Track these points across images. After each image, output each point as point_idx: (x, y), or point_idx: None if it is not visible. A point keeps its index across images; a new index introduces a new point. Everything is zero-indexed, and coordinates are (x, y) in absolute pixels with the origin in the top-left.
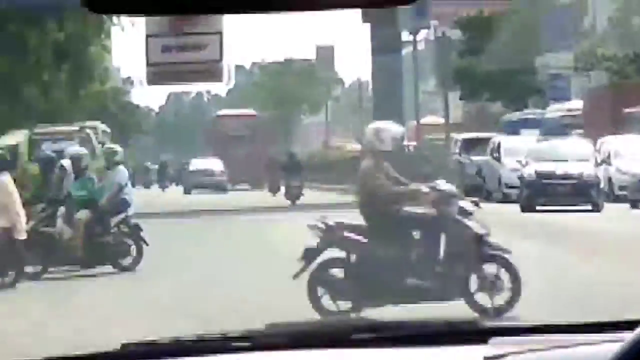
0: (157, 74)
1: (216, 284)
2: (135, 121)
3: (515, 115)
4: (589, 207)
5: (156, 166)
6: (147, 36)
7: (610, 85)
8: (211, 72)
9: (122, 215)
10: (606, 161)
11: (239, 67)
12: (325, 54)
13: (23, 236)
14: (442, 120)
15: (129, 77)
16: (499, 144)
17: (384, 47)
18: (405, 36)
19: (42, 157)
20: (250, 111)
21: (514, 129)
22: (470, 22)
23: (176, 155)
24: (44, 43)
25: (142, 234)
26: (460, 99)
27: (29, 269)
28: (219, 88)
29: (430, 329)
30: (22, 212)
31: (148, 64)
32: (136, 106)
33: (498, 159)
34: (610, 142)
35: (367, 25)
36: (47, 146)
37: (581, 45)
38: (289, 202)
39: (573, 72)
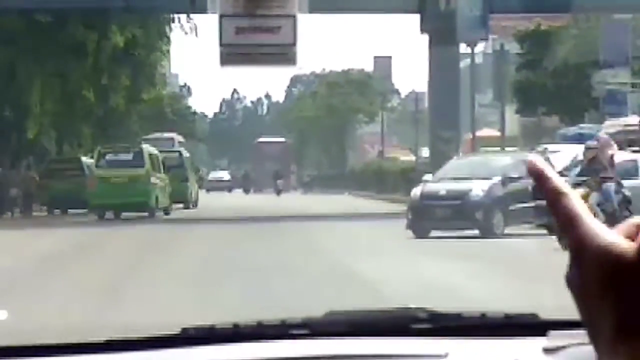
0: (231, 55)
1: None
2: (189, 128)
3: (571, 130)
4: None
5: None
6: (221, 16)
7: None
8: (284, 56)
9: None
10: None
11: (297, 76)
12: (383, 64)
13: None
14: (498, 133)
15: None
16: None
17: (442, 59)
18: (463, 48)
19: None
20: (281, 139)
21: (568, 143)
22: (528, 36)
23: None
24: (103, 47)
25: None
26: (517, 112)
27: None
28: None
29: (489, 321)
30: None
31: (221, 45)
32: (192, 113)
33: None
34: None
35: (425, 37)
36: None
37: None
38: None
39: (630, 88)
